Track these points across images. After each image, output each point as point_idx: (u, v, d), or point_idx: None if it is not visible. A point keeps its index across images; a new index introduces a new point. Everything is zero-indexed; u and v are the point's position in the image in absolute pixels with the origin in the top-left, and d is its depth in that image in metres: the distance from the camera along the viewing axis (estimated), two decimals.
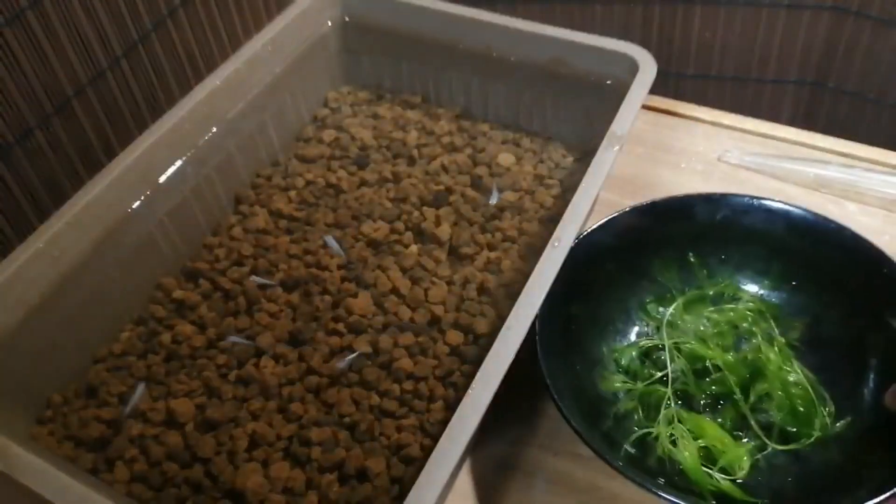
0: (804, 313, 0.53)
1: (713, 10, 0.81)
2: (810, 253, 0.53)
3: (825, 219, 0.52)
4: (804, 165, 0.65)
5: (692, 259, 0.55)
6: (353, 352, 0.50)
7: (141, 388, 0.50)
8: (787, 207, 0.53)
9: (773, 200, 0.53)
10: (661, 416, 0.49)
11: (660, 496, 0.40)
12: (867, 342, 0.50)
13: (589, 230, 0.52)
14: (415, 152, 0.64)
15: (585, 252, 0.51)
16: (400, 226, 0.59)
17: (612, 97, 0.57)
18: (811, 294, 0.53)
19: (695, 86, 0.88)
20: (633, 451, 0.48)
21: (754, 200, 0.53)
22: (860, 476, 0.45)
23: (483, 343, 0.51)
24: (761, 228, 0.54)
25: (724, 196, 0.54)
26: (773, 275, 0.55)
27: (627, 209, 0.53)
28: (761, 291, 0.55)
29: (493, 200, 0.55)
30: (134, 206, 0.55)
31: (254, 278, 0.54)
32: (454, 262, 0.56)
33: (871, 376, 0.49)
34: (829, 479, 0.46)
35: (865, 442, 0.47)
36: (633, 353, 0.52)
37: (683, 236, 0.55)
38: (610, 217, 0.53)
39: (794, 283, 0.54)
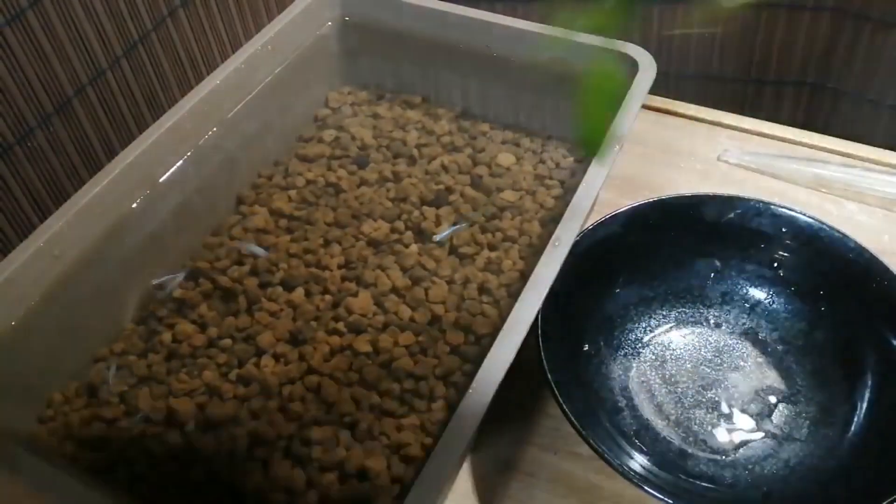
0: (801, 318, 0.53)
1: (713, 10, 0.81)
2: (813, 260, 0.53)
3: (830, 227, 0.52)
4: (804, 165, 0.65)
5: (698, 258, 0.55)
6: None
7: (180, 277, 0.52)
8: (792, 213, 0.53)
9: (779, 206, 0.53)
10: None
11: (658, 497, 0.41)
12: (862, 352, 0.50)
13: (592, 226, 0.52)
14: (415, 152, 0.64)
15: (588, 248, 0.51)
16: (400, 225, 0.59)
17: (612, 97, 0.57)
18: (809, 300, 0.53)
19: (695, 86, 0.88)
20: (631, 448, 0.48)
21: (761, 204, 0.53)
22: (847, 486, 0.45)
23: (484, 343, 0.51)
24: (766, 232, 0.54)
25: (730, 197, 0.54)
26: (773, 279, 0.55)
27: (631, 206, 0.54)
28: (761, 294, 0.55)
29: (438, 238, 0.55)
30: (134, 206, 0.55)
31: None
32: (454, 262, 0.56)
33: (865, 386, 0.49)
34: (816, 487, 0.46)
35: (855, 451, 0.47)
36: None
37: (687, 235, 0.55)
38: (613, 213, 0.53)
39: (793, 288, 0.54)
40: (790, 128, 0.69)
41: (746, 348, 0.54)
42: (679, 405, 0.51)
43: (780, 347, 0.53)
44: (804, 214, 0.53)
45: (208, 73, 0.61)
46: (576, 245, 0.48)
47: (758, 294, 0.55)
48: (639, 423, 0.50)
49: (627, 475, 0.41)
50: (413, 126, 0.66)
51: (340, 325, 0.53)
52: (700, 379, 0.52)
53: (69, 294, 0.51)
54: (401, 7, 0.66)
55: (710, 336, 0.54)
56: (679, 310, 0.56)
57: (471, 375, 0.41)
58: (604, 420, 0.49)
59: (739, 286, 0.55)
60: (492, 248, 0.57)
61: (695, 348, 0.54)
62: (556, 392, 0.44)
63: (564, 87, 0.63)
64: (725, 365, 0.53)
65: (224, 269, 0.57)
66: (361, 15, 0.69)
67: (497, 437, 0.51)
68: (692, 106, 0.72)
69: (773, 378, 0.52)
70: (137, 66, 0.66)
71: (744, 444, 0.49)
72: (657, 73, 0.57)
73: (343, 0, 0.69)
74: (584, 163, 0.62)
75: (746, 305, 0.55)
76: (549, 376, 0.45)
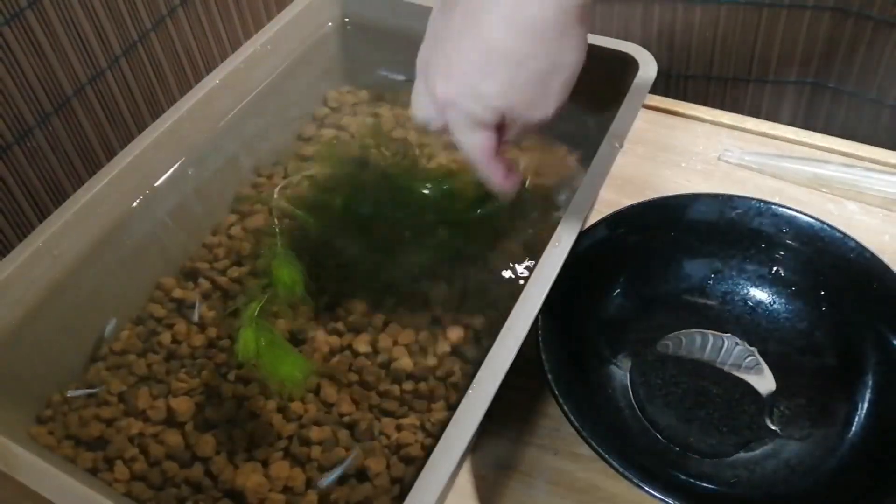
0: (801, 319, 0.53)
1: (713, 9, 0.81)
2: (813, 259, 0.52)
3: (831, 227, 0.52)
4: (804, 165, 0.65)
5: (699, 259, 0.55)
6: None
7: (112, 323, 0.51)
8: (793, 213, 0.53)
9: (780, 206, 0.53)
10: None
11: (659, 498, 0.40)
12: (863, 352, 0.50)
13: (592, 226, 0.52)
14: (415, 151, 0.64)
15: (588, 248, 0.51)
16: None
17: (612, 97, 0.57)
18: (810, 300, 0.53)
19: (695, 86, 0.88)
20: (631, 448, 0.48)
21: (761, 204, 0.53)
22: (848, 486, 0.45)
23: (483, 343, 0.51)
24: (767, 232, 0.54)
25: (731, 197, 0.54)
26: (774, 279, 0.55)
27: (632, 205, 0.53)
28: (762, 294, 0.55)
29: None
30: (133, 206, 0.55)
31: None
32: (454, 262, 0.56)
33: (866, 386, 0.49)
34: (816, 487, 0.46)
35: (856, 451, 0.47)
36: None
37: (687, 235, 0.55)
38: (613, 213, 0.53)
39: (793, 288, 0.54)
40: (791, 127, 0.69)
41: (747, 348, 0.54)
42: (679, 405, 0.51)
43: (780, 347, 0.53)
44: (805, 214, 0.52)
45: (208, 73, 0.61)
46: (576, 245, 0.48)
47: (758, 294, 0.55)
48: (639, 424, 0.50)
49: (627, 475, 0.41)
50: (413, 125, 0.66)
51: (340, 325, 0.53)
52: (700, 379, 0.52)
53: (68, 294, 0.51)
54: (401, 7, 0.66)
55: (711, 336, 0.54)
56: (679, 310, 0.55)
57: (470, 376, 0.41)
58: (604, 420, 0.49)
59: (740, 286, 0.55)
60: (491, 248, 0.57)
61: (695, 348, 0.54)
62: (556, 392, 0.44)
63: None
64: (726, 365, 0.53)
65: (223, 270, 0.56)
66: (361, 15, 0.69)
67: (497, 437, 0.51)
68: (693, 105, 0.72)
69: (773, 378, 0.52)
70: (137, 66, 0.66)
71: (744, 444, 0.49)
72: (658, 73, 0.57)
73: (343, 0, 0.69)
74: (584, 162, 0.61)
75: (747, 305, 0.55)
76: (549, 376, 0.45)
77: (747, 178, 0.66)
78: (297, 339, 0.52)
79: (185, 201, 0.58)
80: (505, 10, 0.36)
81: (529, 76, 0.38)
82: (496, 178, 0.43)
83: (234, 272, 0.56)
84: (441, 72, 0.40)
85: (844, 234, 0.51)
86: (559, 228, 0.48)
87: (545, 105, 0.40)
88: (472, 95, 0.39)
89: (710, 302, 0.56)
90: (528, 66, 0.37)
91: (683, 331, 0.55)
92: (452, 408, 0.40)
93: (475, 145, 0.41)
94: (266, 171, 0.64)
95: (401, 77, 0.70)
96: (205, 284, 0.56)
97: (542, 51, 0.37)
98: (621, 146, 0.53)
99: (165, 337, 0.53)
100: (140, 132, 0.56)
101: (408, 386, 0.49)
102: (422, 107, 0.42)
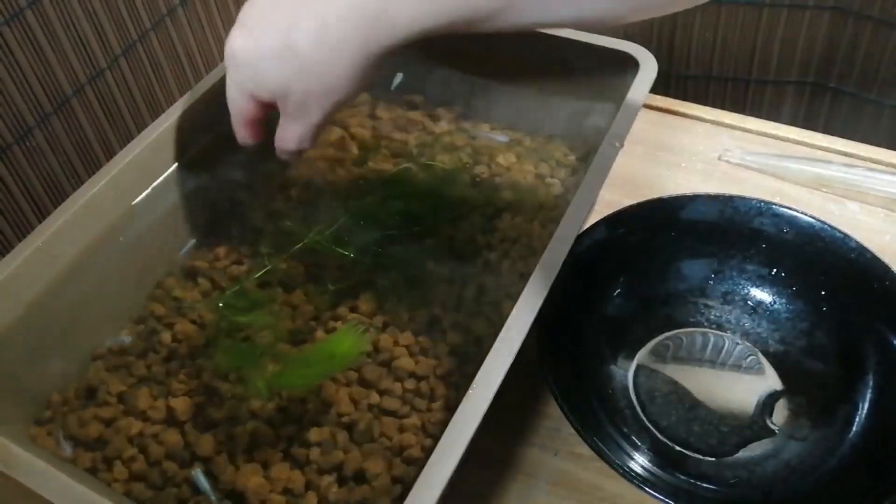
0: (802, 319, 0.53)
1: (713, 9, 0.81)
2: (813, 260, 0.52)
3: (831, 227, 0.52)
4: (805, 165, 0.65)
5: (699, 259, 0.55)
6: None
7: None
8: (793, 213, 0.53)
9: (780, 206, 0.53)
10: None
11: (659, 498, 0.40)
12: (864, 352, 0.50)
13: (592, 226, 0.52)
14: (415, 152, 0.64)
15: (588, 248, 0.51)
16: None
17: (612, 97, 0.57)
18: (810, 300, 0.53)
19: (695, 86, 0.88)
20: (631, 448, 0.48)
21: (762, 204, 0.53)
22: (848, 486, 0.45)
23: (483, 343, 0.51)
24: (767, 232, 0.54)
25: (731, 197, 0.54)
26: (774, 279, 0.55)
27: (632, 205, 0.54)
28: (762, 295, 0.55)
29: None
30: (133, 205, 0.55)
31: None
32: (454, 262, 0.56)
33: (866, 386, 0.49)
34: (817, 487, 0.46)
35: (856, 451, 0.47)
36: None
37: (686, 235, 0.55)
38: (613, 213, 0.53)
39: (794, 288, 0.54)
40: (791, 127, 0.69)
41: (747, 348, 0.54)
42: (680, 405, 0.51)
43: (781, 348, 0.53)
44: (805, 214, 0.52)
45: (207, 73, 0.61)
46: (576, 245, 0.48)
47: (759, 294, 0.55)
48: (639, 424, 0.50)
49: (628, 476, 0.41)
50: (413, 126, 0.66)
51: (340, 325, 0.52)
52: (701, 379, 0.52)
53: (68, 293, 0.51)
54: None
55: (711, 336, 0.54)
56: (680, 310, 0.55)
57: (471, 376, 0.41)
58: (604, 420, 0.49)
59: (740, 286, 0.55)
60: (491, 248, 0.57)
61: (696, 349, 0.54)
62: (556, 392, 0.44)
63: (565, 86, 0.63)
64: (726, 365, 0.53)
65: (224, 269, 0.56)
66: None
67: (497, 437, 0.51)
68: (693, 105, 0.72)
69: (774, 378, 0.52)
70: (136, 66, 0.66)
71: (745, 444, 0.49)
72: (658, 73, 0.57)
73: None
74: (584, 162, 0.61)
75: (747, 305, 0.55)
76: (549, 376, 0.45)
77: (748, 178, 0.66)
78: (297, 339, 0.52)
79: (185, 200, 0.58)
80: (319, 20, 0.39)
81: (310, 84, 0.41)
82: (240, 134, 0.48)
83: (234, 271, 0.56)
84: (248, 25, 0.42)
85: (845, 235, 0.51)
86: (559, 228, 0.48)
87: (311, 113, 0.44)
88: (256, 74, 0.42)
89: (710, 302, 0.56)
90: (311, 73, 0.41)
91: (683, 330, 0.55)
92: (453, 408, 0.40)
93: (238, 108, 0.46)
94: (266, 171, 0.63)
95: (399, 76, 0.70)
96: (205, 283, 0.56)
97: (327, 66, 0.41)
98: (621, 146, 0.53)
99: (166, 336, 0.53)
100: (140, 132, 0.56)
101: (409, 385, 0.49)
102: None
